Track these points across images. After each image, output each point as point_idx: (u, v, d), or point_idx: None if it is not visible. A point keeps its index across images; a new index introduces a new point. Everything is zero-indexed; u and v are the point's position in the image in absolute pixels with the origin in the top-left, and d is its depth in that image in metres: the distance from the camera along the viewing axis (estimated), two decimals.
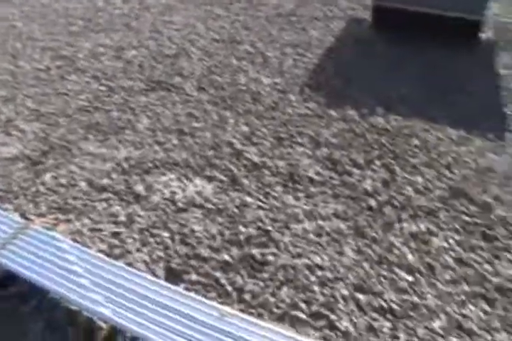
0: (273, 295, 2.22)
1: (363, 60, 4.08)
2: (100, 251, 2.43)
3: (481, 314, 2.12)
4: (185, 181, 2.92)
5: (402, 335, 2.04)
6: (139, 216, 2.69)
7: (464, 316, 2.11)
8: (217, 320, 1.98)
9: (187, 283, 2.30)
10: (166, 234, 2.56)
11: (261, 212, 2.64)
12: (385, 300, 2.17)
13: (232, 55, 4.29)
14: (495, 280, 2.26)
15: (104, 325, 2.08)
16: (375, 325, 2.08)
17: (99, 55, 4.41)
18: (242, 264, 2.37)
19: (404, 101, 3.49)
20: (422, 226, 2.51)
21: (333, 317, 2.11)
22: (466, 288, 2.22)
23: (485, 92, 3.59)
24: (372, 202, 2.66)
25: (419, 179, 2.81)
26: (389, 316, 2.12)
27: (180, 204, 2.75)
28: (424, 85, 3.67)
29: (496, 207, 2.63)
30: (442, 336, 2.04)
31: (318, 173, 2.87)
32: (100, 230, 2.61)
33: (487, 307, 2.14)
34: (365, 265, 2.33)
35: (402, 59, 4.04)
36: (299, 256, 2.39)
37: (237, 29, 4.77)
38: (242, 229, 2.56)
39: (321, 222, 2.55)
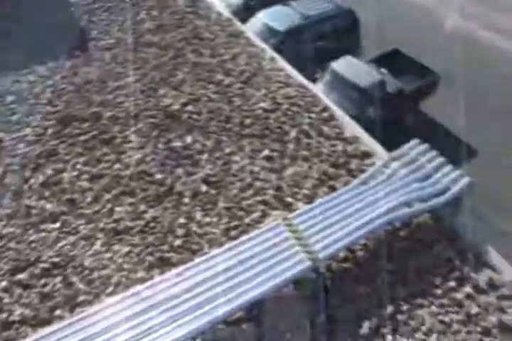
0: None
1: None
2: None
3: (131, 211, 1.98)
4: None
5: (74, 279, 1.79)
6: None
7: (115, 222, 1.95)
8: None
9: None
10: None
11: None
12: (44, 261, 1.86)
13: None
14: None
15: None
16: (46, 290, 1.78)
17: None
18: None
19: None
20: (48, 172, 2.17)
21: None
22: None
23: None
24: None
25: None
26: (55, 272, 1.83)
27: None
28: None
29: (104, 112, 2.43)
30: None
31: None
32: None
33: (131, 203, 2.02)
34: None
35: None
36: None
37: None
38: None
39: None
